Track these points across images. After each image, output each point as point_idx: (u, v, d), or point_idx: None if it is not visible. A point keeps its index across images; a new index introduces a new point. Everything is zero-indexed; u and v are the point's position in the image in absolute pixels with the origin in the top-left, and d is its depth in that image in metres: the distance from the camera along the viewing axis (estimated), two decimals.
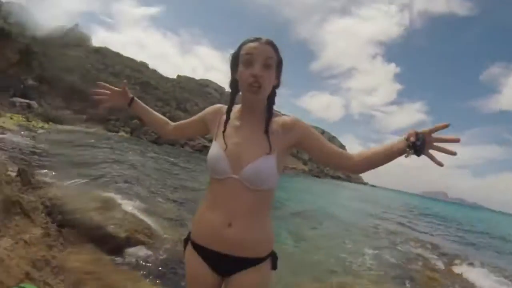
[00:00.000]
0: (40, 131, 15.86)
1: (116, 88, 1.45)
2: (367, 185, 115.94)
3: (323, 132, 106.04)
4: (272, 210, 1.26)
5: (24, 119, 17.46)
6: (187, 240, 1.30)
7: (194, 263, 1.23)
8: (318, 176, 66.13)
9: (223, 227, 1.14)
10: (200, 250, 1.21)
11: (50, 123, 20.54)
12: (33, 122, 18.00)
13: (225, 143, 1.19)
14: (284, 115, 1.25)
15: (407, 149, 1.04)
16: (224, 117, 1.26)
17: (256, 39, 1.16)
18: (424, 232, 13.84)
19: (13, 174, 4.18)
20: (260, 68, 1.12)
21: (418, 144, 1.01)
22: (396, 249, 8.49)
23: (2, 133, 11.01)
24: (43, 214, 3.53)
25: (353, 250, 7.33)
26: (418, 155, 1.03)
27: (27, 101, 23.08)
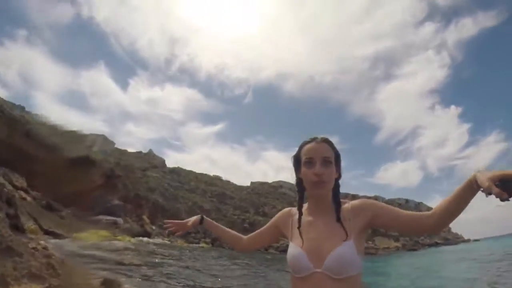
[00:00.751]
0: (126, 245, 15.74)
1: (178, 221, 1.60)
2: (470, 242, 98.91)
3: (407, 201, 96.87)
4: None
5: (110, 234, 17.28)
6: None
7: None
8: (414, 249, 60.96)
9: None
10: None
11: (136, 238, 20.42)
12: (119, 237, 17.85)
13: (302, 239, 1.22)
14: (359, 198, 1.28)
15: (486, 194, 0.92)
16: (296, 217, 1.31)
17: (313, 139, 1.26)
18: None
19: (97, 282, 4.07)
20: (320, 167, 1.19)
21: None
22: None
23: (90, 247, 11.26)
24: None
25: None
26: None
27: (113, 218, 23.75)
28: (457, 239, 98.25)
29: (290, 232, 1.31)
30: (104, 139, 37.57)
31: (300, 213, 1.29)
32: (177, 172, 58.43)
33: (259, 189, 70.06)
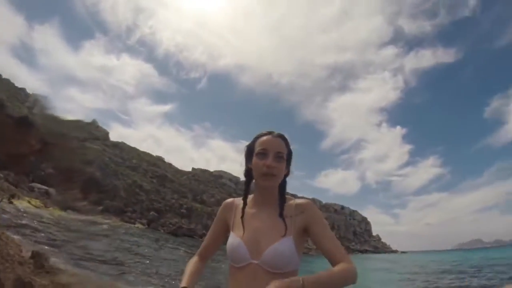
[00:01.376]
0: (57, 218, 15.60)
1: None
2: (397, 253, 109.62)
3: (342, 207, 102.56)
4: None
5: (42, 204, 16.44)
6: None
7: None
8: None
9: None
10: None
11: (68, 211, 19.57)
12: (51, 208, 17.06)
13: (243, 230, 1.22)
14: (299, 198, 1.28)
15: None
16: (239, 207, 1.30)
17: (269, 133, 1.26)
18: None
19: (28, 255, 4.11)
20: (272, 160, 1.20)
21: None
22: None
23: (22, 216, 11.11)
24: None
25: None
26: None
27: (45, 187, 22.46)
28: (385, 249, 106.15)
29: (232, 221, 1.31)
30: (45, 101, 34.93)
31: (245, 203, 1.29)
32: (120, 147, 56.26)
33: (200, 176, 70.04)
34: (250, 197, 1.32)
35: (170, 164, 68.40)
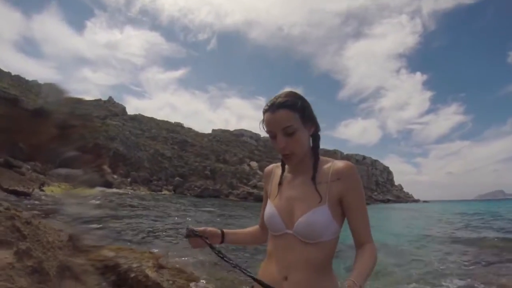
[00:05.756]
0: (88, 197, 15.95)
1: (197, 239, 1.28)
2: (419, 202, 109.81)
3: (364, 157, 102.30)
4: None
5: (71, 187, 17.56)
6: None
7: None
8: (367, 204, 64.85)
9: (280, 280, 1.12)
10: None
11: (97, 188, 20.79)
12: (80, 188, 18.15)
13: (278, 198, 1.20)
14: (337, 161, 1.17)
15: None
16: (278, 173, 1.27)
17: (269, 107, 1.13)
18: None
19: (65, 239, 4.13)
20: (282, 139, 1.11)
21: None
22: None
23: (53, 202, 11.61)
24: (94, 277, 3.53)
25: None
26: None
27: (72, 170, 23.72)
28: (408, 198, 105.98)
29: (270, 189, 1.28)
30: (57, 87, 35.82)
31: (283, 170, 1.25)
32: (138, 119, 57.52)
33: (220, 136, 70.81)
34: None
35: (189, 129, 69.52)
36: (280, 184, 1.23)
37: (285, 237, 1.13)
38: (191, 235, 1.26)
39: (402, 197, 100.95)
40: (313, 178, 1.13)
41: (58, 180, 17.93)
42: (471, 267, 7.39)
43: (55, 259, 2.97)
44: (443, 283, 6.13)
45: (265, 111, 1.14)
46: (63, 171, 22.53)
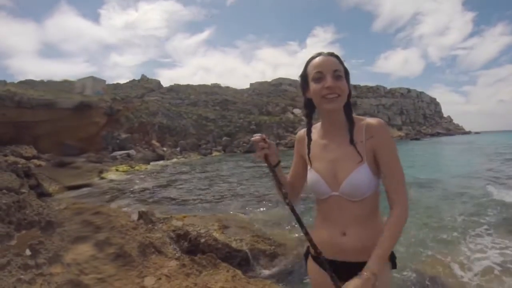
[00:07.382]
0: (145, 172, 17.35)
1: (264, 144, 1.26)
2: (471, 134, 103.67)
3: (409, 90, 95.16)
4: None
5: (128, 167, 18.60)
6: (307, 254, 1.34)
7: (316, 275, 1.27)
8: (417, 139, 63.80)
9: (338, 236, 1.18)
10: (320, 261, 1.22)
11: (151, 163, 21.88)
12: (137, 167, 19.21)
13: (318, 163, 1.23)
14: (370, 118, 1.21)
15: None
16: (311, 136, 1.30)
17: (319, 54, 1.20)
18: None
19: (135, 218, 4.40)
20: (332, 79, 1.13)
21: None
22: None
23: (116, 185, 12.12)
24: (172, 246, 3.74)
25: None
26: None
27: (126, 151, 24.94)
28: (458, 130, 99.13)
29: (306, 155, 1.30)
30: (93, 79, 37.00)
31: (309, 138, 1.29)
32: (174, 89, 58.45)
33: (259, 89, 70.32)
34: (318, 126, 1.30)
35: (227, 87, 69.75)
36: (309, 152, 1.28)
37: (332, 199, 1.19)
38: (262, 143, 1.23)
39: (452, 129, 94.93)
40: (351, 139, 1.18)
41: (115, 164, 19.11)
42: None
43: (134, 240, 3.16)
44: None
45: (313, 58, 1.20)
46: (118, 153, 24.07)
